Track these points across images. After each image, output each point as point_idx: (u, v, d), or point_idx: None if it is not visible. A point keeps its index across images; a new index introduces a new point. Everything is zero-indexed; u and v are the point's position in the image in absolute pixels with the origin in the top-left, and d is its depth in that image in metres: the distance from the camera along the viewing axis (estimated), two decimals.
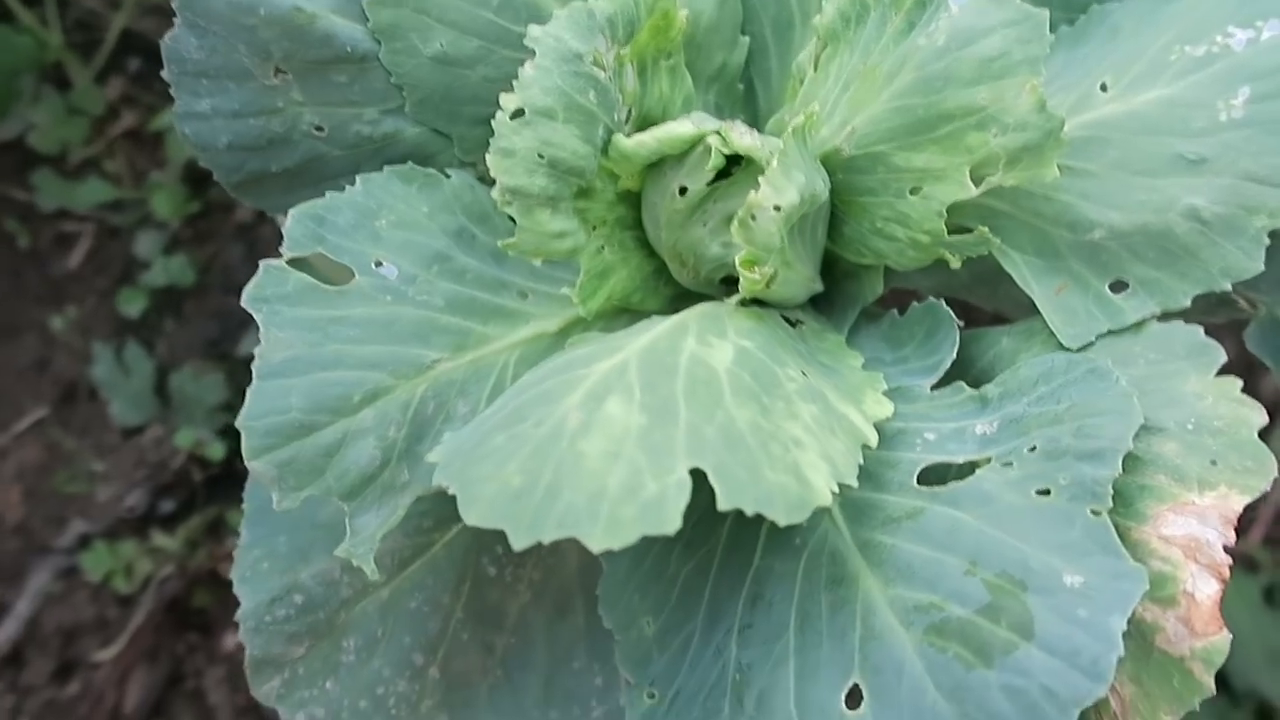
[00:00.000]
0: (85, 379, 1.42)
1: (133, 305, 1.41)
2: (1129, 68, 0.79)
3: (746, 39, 0.93)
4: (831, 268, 0.90)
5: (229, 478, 1.37)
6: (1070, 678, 0.60)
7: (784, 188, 0.73)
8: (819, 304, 0.91)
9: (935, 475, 0.72)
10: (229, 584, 1.32)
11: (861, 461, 0.70)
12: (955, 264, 0.81)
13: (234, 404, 1.37)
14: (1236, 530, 0.67)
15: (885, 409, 0.75)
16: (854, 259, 0.86)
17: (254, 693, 0.85)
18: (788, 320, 0.85)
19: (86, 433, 1.41)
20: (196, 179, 1.47)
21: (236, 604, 0.86)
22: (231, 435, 1.38)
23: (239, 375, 1.38)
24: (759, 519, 0.74)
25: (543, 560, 0.90)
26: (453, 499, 0.65)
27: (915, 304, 0.85)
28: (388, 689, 0.85)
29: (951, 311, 0.81)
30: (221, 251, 1.46)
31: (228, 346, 1.41)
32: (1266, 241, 0.75)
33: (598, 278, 0.85)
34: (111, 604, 1.34)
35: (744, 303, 0.82)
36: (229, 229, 1.46)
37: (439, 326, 0.81)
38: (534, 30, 0.76)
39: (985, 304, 0.94)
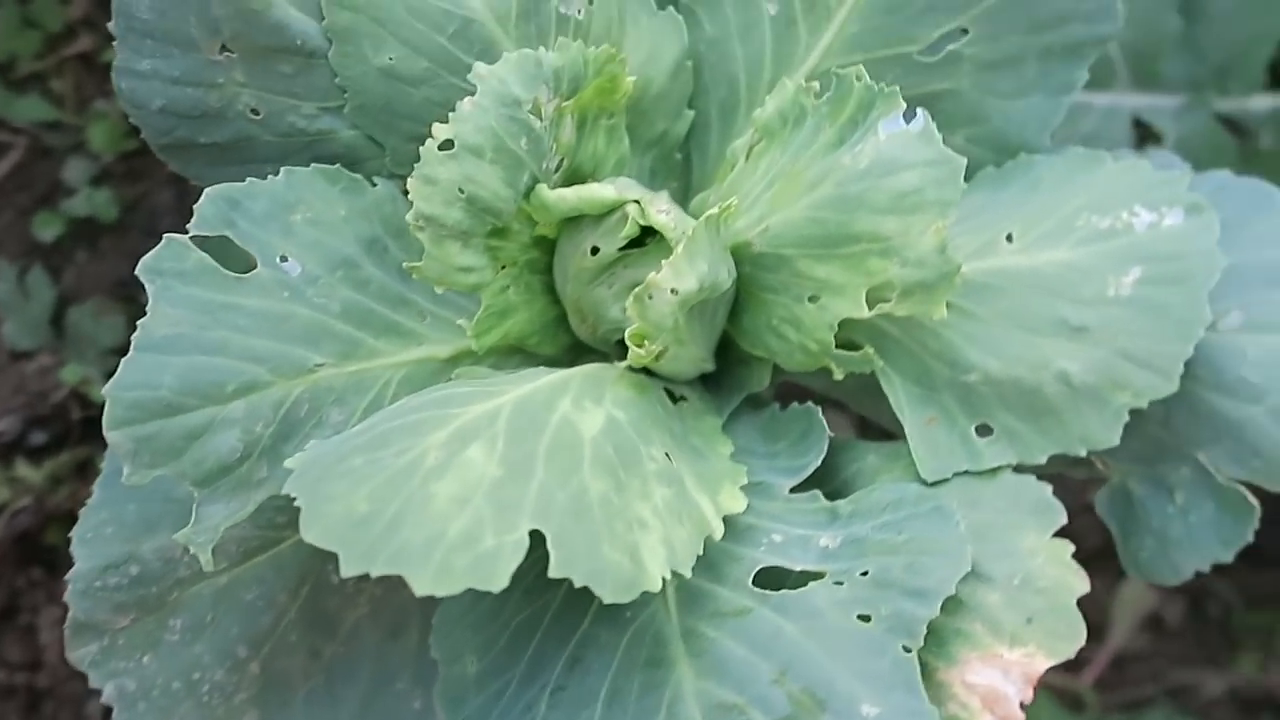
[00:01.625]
0: None
1: (48, 229, 1.39)
2: (1038, 224, 0.82)
3: (692, 113, 0.94)
4: (726, 351, 0.92)
5: None
6: None
7: (685, 274, 0.75)
8: (708, 382, 0.93)
9: (772, 578, 0.74)
10: None
11: (702, 552, 0.72)
12: (838, 375, 0.83)
13: (128, 348, 1.35)
14: (1070, 665, 0.70)
15: (739, 504, 0.76)
16: (747, 348, 0.88)
17: (68, 654, 0.84)
18: (671, 394, 0.86)
19: None
20: None
21: None
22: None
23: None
24: None
25: (387, 578, 0.90)
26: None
27: (795, 405, 0.87)
28: (205, 675, 0.85)
29: (825, 421, 0.83)
30: (150, 194, 1.44)
31: (135, 290, 1.38)
32: (1126, 418, 0.78)
33: (497, 315, 0.86)
34: None
35: (633, 369, 0.83)
36: (162, 174, 1.44)
37: (330, 332, 0.82)
38: (480, 68, 0.77)
39: (869, 415, 0.96)
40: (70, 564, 0.85)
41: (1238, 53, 1.35)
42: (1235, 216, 0.85)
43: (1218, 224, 0.79)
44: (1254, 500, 0.80)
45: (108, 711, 1.33)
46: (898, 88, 0.75)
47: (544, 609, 0.80)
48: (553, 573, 0.64)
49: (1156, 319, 0.77)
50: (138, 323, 0.76)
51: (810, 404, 0.85)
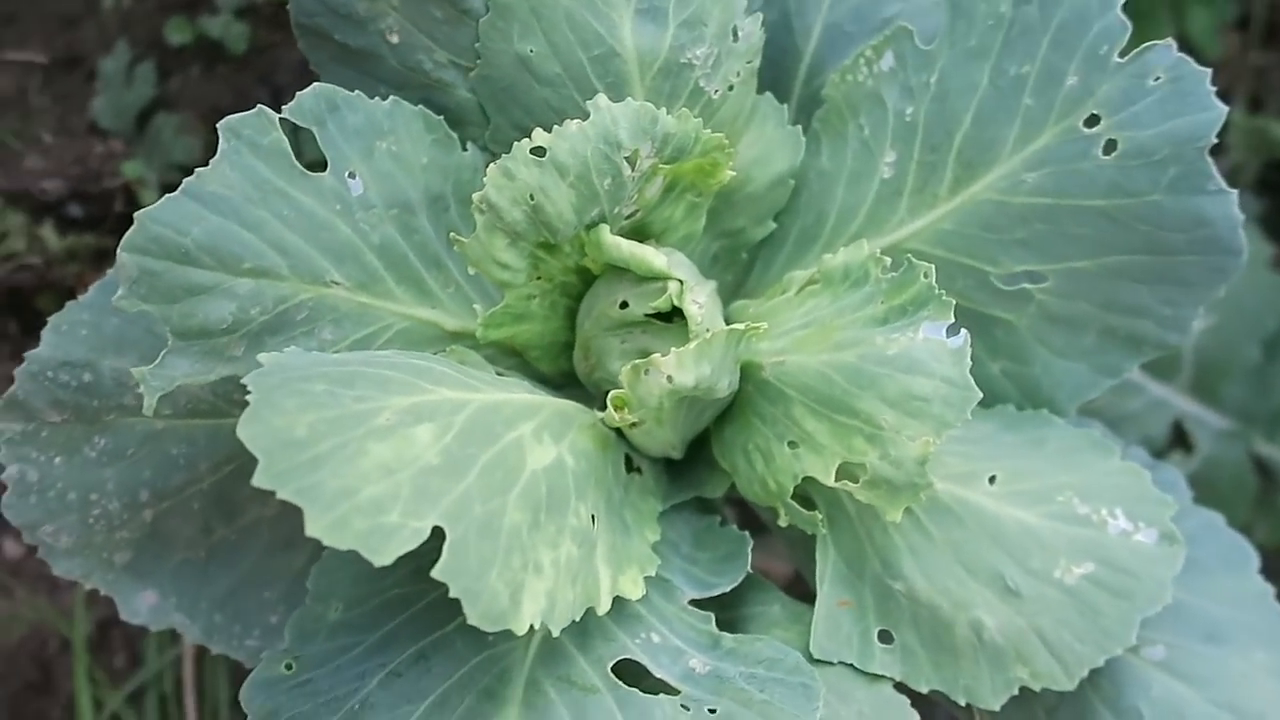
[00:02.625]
0: (92, 62, 1.43)
1: (177, 34, 1.43)
2: (1023, 480, 0.84)
3: (774, 226, 0.96)
4: (700, 448, 0.93)
5: None
6: None
7: (687, 369, 0.76)
8: (670, 467, 0.94)
9: (630, 672, 0.76)
10: None
11: (579, 619, 0.73)
12: (783, 522, 0.84)
13: (190, 171, 1.38)
14: None
15: (637, 591, 0.78)
16: (717, 456, 0.90)
17: None
18: (630, 461, 0.88)
19: (59, 103, 1.42)
20: None
21: None
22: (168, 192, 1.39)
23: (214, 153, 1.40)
24: None
25: None
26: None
27: (732, 527, 0.89)
28: (101, 500, 0.87)
29: (750, 557, 0.85)
30: (280, 47, 1.48)
31: None
32: (1015, 691, 0.79)
33: (513, 317, 0.88)
34: None
35: (605, 424, 0.85)
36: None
37: (359, 258, 0.84)
38: (601, 100, 0.80)
39: (801, 568, 0.97)
40: (37, 340, 0.87)
41: None
42: (1207, 560, 0.86)
43: (1182, 561, 0.80)
44: None
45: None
46: (953, 301, 0.76)
47: (422, 594, 0.82)
48: (435, 574, 0.65)
49: (1085, 618, 0.79)
50: (196, 170, 0.79)
51: (745, 533, 0.87)
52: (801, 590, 0.93)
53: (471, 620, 0.66)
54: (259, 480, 0.64)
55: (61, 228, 1.36)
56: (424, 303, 0.88)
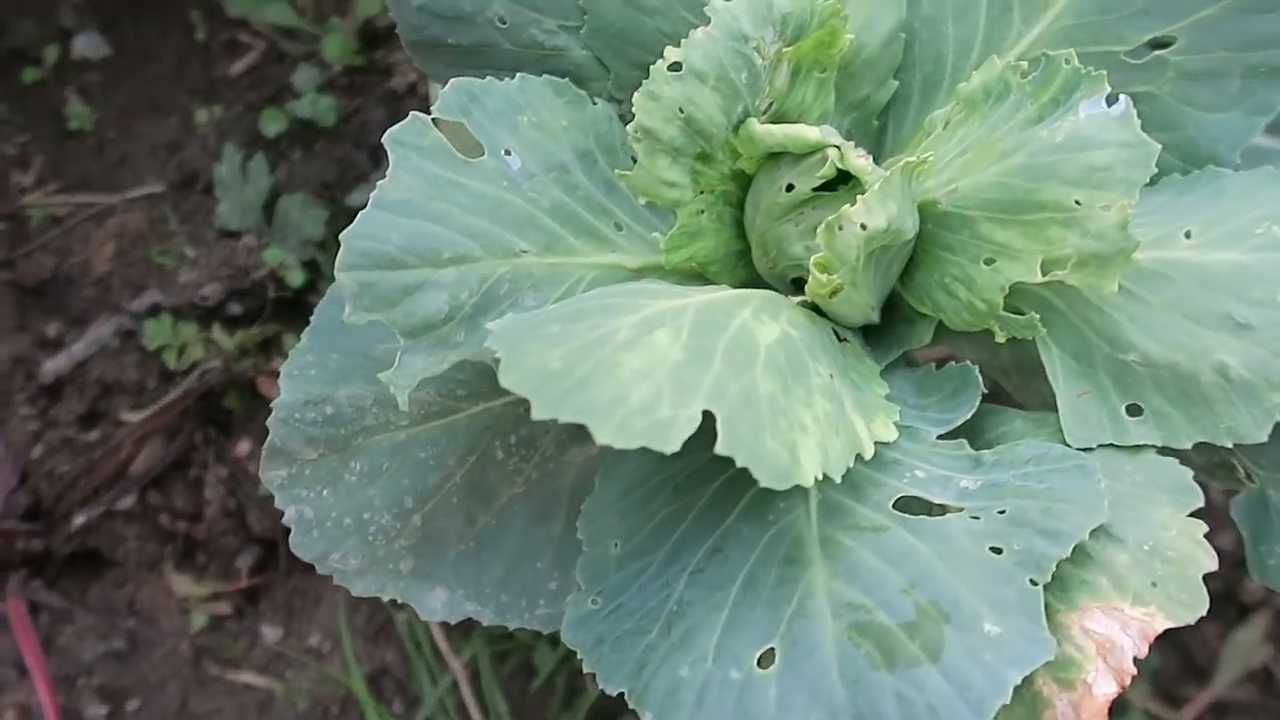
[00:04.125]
0: (207, 174, 1.53)
1: (273, 125, 1.51)
2: (1217, 226, 0.86)
3: (896, 84, 1.00)
4: (893, 309, 0.97)
5: (297, 305, 1.47)
6: (955, 705, 0.67)
7: (876, 211, 0.80)
8: (869, 335, 0.98)
9: (910, 507, 0.79)
10: (262, 398, 1.43)
11: (852, 466, 0.77)
12: (1000, 338, 0.87)
13: (325, 242, 1.46)
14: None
15: (890, 434, 0.82)
16: (915, 305, 0.93)
17: (262, 474, 0.93)
18: (837, 335, 0.92)
19: (190, 220, 1.52)
20: (369, 37, 1.57)
21: (264, 414, 0.94)
22: (312, 267, 1.48)
23: (339, 219, 1.48)
24: (746, 486, 0.82)
25: (545, 463, 0.98)
26: (492, 376, 0.73)
27: (952, 363, 0.92)
28: (373, 517, 0.94)
29: (980, 379, 0.88)
30: (365, 108, 1.56)
31: (339, 192, 1.51)
32: (1278, 418, 0.80)
33: (689, 236, 0.92)
34: (155, 375, 1.44)
35: (805, 304, 0.89)
36: (380, 92, 1.56)
37: (537, 224, 0.90)
38: (716, 2, 0.84)
39: (1016, 393, 1.00)
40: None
41: None
42: None
43: None
44: None
45: (253, 570, 1.45)
46: (1104, 72, 0.79)
47: (689, 506, 0.86)
48: (719, 449, 0.69)
49: None
50: (377, 183, 0.85)
51: (967, 363, 0.90)
52: None
53: (764, 481, 0.70)
54: (538, 413, 0.69)
55: (228, 327, 1.45)
56: (604, 249, 0.93)
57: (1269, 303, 0.81)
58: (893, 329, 0.97)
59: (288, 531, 0.93)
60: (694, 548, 0.82)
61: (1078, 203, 0.79)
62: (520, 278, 0.89)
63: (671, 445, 0.68)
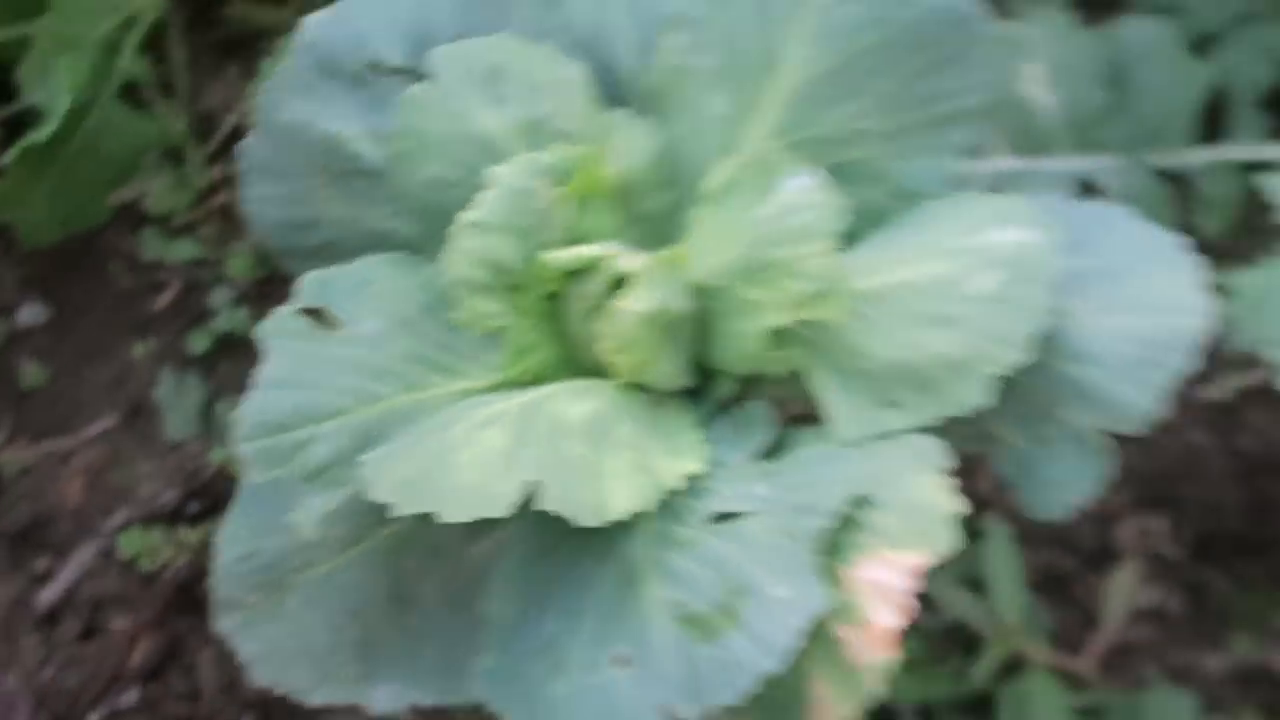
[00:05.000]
0: (150, 398, 1.74)
1: (199, 344, 1.73)
2: (923, 247, 1.07)
3: (673, 194, 1.22)
4: (703, 372, 1.17)
5: None
6: (755, 655, 0.86)
7: (643, 298, 1.02)
8: (692, 393, 1.18)
9: (722, 520, 0.98)
10: None
11: (672, 499, 0.97)
12: (780, 373, 1.08)
13: None
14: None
15: (697, 468, 1.01)
16: (715, 366, 1.14)
17: (219, 625, 1.12)
18: (658, 398, 1.12)
19: (143, 441, 1.72)
20: (265, 252, 1.81)
21: None
22: None
23: None
24: (591, 535, 1.00)
25: (453, 563, 1.17)
26: (381, 505, 0.94)
27: (750, 403, 1.12)
28: (315, 639, 1.12)
29: (767, 411, 1.08)
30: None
31: None
32: (995, 384, 1.00)
33: (520, 353, 1.13)
34: (135, 581, 1.63)
35: (623, 384, 1.09)
36: (285, 295, 1.79)
37: (394, 371, 1.10)
38: (495, 170, 1.07)
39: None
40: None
41: (1164, 116, 1.58)
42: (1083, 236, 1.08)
43: (1053, 236, 1.02)
44: (1106, 442, 1.01)
45: None
46: (793, 156, 1.02)
47: (556, 563, 1.04)
48: (544, 506, 0.89)
49: (1010, 308, 1.00)
50: (258, 369, 1.06)
51: (757, 401, 1.10)
52: None
53: (582, 522, 0.90)
54: (399, 511, 0.90)
55: (192, 523, 1.64)
56: (455, 379, 1.14)
57: (963, 298, 1.02)
58: (709, 385, 1.18)
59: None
60: (560, 593, 1.01)
61: (794, 256, 1.00)
62: (389, 416, 1.09)
63: (500, 511, 0.88)
